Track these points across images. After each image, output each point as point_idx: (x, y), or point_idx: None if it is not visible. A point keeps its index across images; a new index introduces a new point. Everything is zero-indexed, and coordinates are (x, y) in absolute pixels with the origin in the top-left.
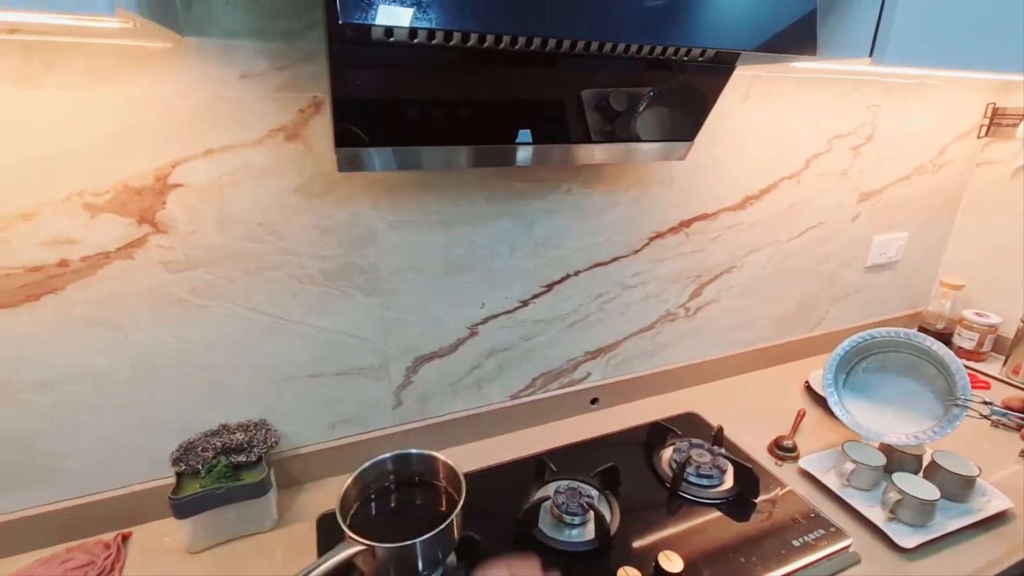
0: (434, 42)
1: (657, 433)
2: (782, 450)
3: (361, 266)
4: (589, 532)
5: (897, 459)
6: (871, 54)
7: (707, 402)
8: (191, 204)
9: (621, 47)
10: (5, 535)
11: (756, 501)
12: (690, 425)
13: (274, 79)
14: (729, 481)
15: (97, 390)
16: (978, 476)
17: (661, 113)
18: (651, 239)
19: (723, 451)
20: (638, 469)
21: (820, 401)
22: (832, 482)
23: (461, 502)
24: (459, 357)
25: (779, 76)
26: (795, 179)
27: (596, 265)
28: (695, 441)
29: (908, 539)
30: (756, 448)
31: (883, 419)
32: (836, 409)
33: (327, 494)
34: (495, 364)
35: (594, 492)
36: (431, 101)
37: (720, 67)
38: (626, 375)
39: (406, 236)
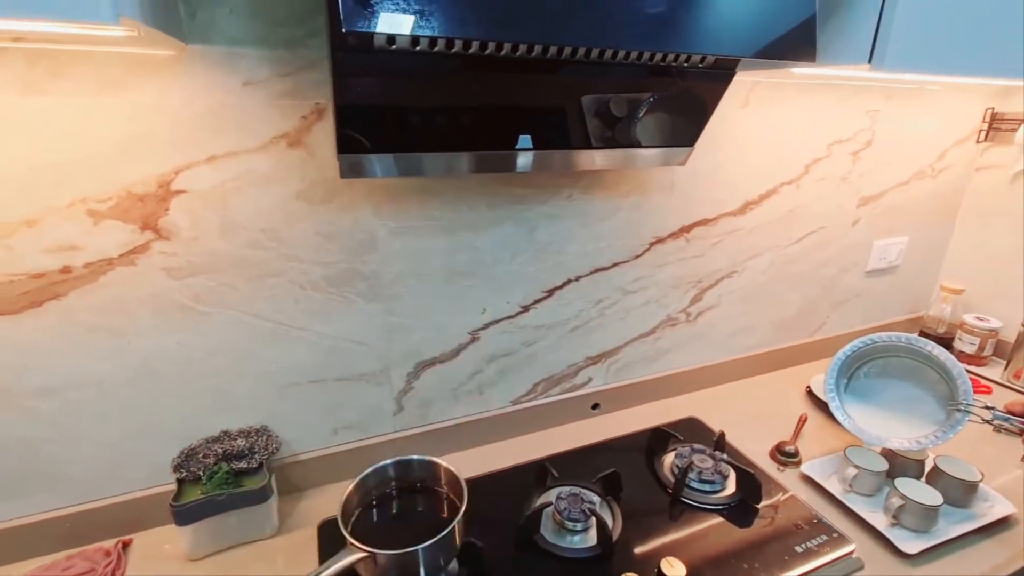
0: (436, 49)
1: (658, 438)
2: (784, 455)
3: (363, 272)
4: (591, 538)
5: (899, 464)
6: (870, 60)
7: (708, 407)
8: (194, 210)
9: (621, 54)
10: (7, 542)
11: (758, 507)
12: (691, 430)
13: (277, 86)
14: (731, 487)
15: (100, 396)
16: (981, 481)
17: (661, 119)
18: (652, 244)
19: (725, 456)
20: (640, 475)
21: (821, 406)
22: (834, 487)
23: (463, 508)
24: (460, 362)
25: (779, 82)
26: (795, 184)
27: (597, 270)
28: (697, 446)
29: (911, 545)
30: (758, 453)
31: (885, 424)
32: (838, 414)
33: (328, 500)
34: (496, 369)
35: (596, 498)
36: (432, 107)
37: (720, 73)
38: (627, 380)
39: (408, 242)
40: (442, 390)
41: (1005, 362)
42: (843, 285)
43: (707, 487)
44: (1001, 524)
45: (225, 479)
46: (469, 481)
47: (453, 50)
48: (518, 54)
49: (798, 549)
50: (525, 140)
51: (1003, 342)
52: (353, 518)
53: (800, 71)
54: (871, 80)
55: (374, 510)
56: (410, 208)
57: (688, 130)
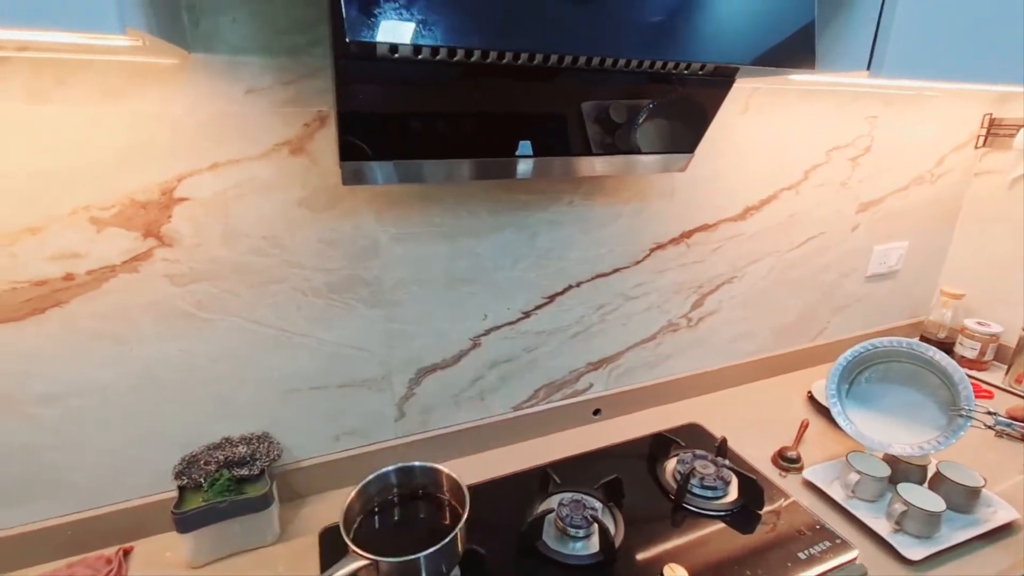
0: (438, 58)
1: (660, 444)
2: (786, 461)
3: (365, 278)
4: (593, 545)
5: (902, 470)
6: (869, 67)
7: (709, 413)
8: (196, 218)
9: (621, 62)
10: (9, 550)
11: (761, 513)
12: (693, 436)
13: (279, 94)
14: (733, 493)
15: (102, 403)
16: (983, 487)
17: (661, 125)
18: (652, 250)
19: (727, 462)
20: (641, 481)
21: (823, 411)
22: (837, 493)
23: (465, 515)
24: (462, 369)
25: (778, 88)
26: (794, 190)
27: (598, 276)
28: (699, 452)
29: (914, 551)
30: (759, 459)
31: (887, 429)
32: (839, 419)
33: (330, 507)
34: (497, 375)
35: (598, 504)
36: (434, 115)
37: (720, 80)
38: (628, 386)
39: (409, 248)
40: (444, 396)
41: (1006, 367)
42: (843, 290)
43: (709, 493)
44: (1004, 530)
45: (227, 486)
46: (471, 488)
47: (455, 59)
48: (519, 62)
49: (801, 555)
50: (525, 146)
51: (1004, 346)
52: (355, 525)
53: (799, 77)
54: (870, 86)
55: (376, 517)
56: (412, 214)
57: (688, 136)
